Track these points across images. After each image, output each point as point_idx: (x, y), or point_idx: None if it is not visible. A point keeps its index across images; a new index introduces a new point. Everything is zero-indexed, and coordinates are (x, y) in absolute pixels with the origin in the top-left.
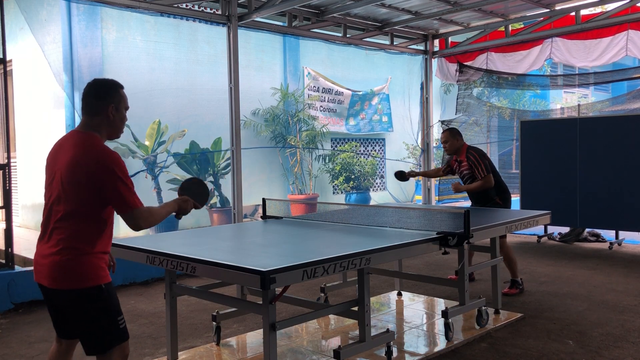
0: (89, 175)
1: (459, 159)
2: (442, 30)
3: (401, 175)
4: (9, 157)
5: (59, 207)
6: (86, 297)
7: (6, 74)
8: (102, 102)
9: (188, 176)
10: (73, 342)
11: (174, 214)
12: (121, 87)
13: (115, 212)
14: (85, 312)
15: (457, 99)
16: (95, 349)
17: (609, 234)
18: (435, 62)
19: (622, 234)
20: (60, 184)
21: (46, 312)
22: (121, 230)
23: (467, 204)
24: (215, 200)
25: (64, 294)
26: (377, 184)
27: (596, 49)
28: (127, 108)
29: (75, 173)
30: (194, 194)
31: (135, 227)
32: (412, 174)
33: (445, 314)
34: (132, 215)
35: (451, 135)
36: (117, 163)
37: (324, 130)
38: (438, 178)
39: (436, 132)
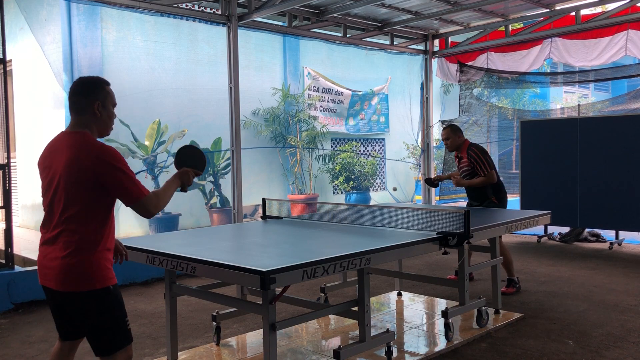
0: (90, 173)
1: (460, 154)
2: (442, 30)
3: (431, 182)
4: (9, 157)
5: (63, 209)
6: (95, 299)
7: (6, 74)
8: (88, 99)
9: None
10: (75, 343)
11: (179, 189)
12: (107, 83)
13: (123, 204)
14: (93, 314)
15: (459, 99)
16: (103, 351)
17: (609, 234)
18: (435, 62)
19: (622, 234)
20: (62, 187)
21: (46, 312)
22: (121, 230)
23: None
24: (215, 200)
25: (72, 296)
26: (377, 184)
27: (595, 48)
28: (114, 105)
29: (75, 174)
30: (190, 162)
31: (147, 214)
32: (440, 178)
33: (445, 314)
34: (141, 205)
35: (452, 132)
36: (115, 156)
37: (324, 130)
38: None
39: (436, 132)
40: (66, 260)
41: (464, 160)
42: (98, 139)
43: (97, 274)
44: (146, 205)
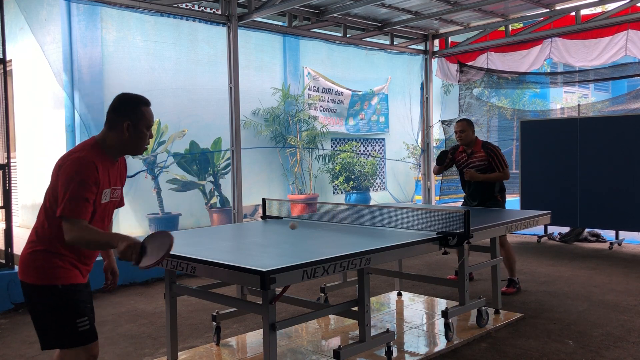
0: (55, 175)
1: (472, 150)
2: (442, 30)
3: (442, 158)
4: (9, 157)
5: (41, 205)
6: (37, 293)
7: (6, 74)
8: (119, 118)
9: (188, 176)
10: None
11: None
12: (144, 103)
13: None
14: (34, 307)
15: (459, 99)
16: (44, 344)
17: (609, 234)
18: (435, 62)
19: (622, 234)
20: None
21: None
22: (121, 229)
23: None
24: (215, 200)
25: (22, 285)
26: (377, 184)
27: (595, 48)
28: (148, 126)
29: (52, 175)
30: (150, 246)
31: (65, 234)
32: (449, 160)
33: (445, 314)
34: (63, 222)
35: (468, 125)
36: (78, 168)
37: (324, 130)
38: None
39: (436, 133)
40: (24, 251)
41: (476, 155)
42: (122, 155)
43: (44, 270)
44: (66, 225)
